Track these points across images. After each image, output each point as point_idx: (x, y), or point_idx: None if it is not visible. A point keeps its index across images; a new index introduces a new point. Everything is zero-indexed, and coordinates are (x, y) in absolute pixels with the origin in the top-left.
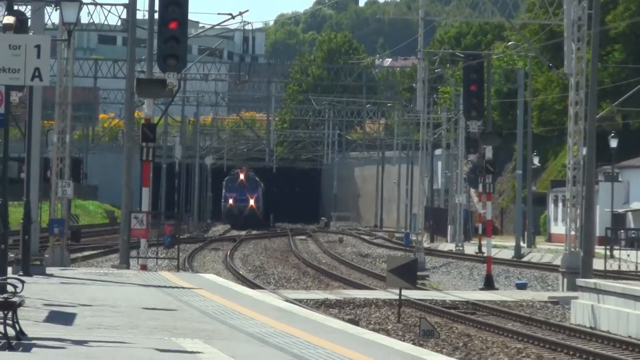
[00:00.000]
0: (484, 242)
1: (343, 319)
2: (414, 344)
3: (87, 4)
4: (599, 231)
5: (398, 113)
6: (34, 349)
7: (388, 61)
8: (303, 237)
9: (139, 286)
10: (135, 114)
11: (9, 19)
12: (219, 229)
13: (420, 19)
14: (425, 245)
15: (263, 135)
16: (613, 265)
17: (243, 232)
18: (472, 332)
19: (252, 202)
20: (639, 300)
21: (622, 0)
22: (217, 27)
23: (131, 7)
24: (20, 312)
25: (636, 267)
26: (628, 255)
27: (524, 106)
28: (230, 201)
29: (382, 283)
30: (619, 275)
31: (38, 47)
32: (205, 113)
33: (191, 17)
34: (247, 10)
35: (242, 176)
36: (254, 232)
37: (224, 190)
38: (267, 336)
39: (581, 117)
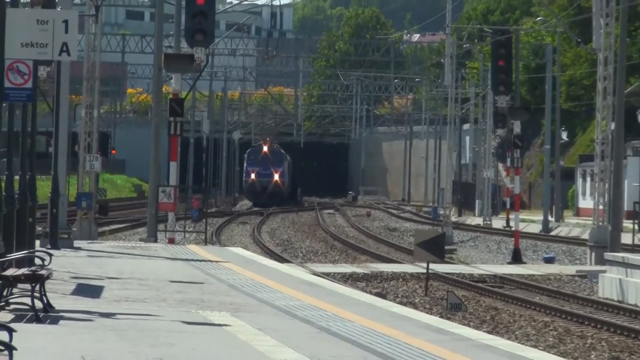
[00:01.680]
0: (511, 216)
1: (370, 293)
2: (441, 317)
3: None
4: (627, 205)
5: (426, 88)
6: (61, 322)
7: (416, 37)
8: (331, 211)
9: (166, 259)
10: (163, 89)
11: None
12: (246, 202)
13: None
14: (453, 219)
15: (291, 110)
16: None
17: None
18: (499, 305)
19: (276, 177)
20: None
21: None
22: (245, 2)
23: None
24: (48, 285)
25: None
26: None
27: (552, 81)
28: (253, 176)
29: (410, 257)
30: None
31: (66, 22)
32: (233, 88)
33: None
34: None
35: (265, 148)
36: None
37: (245, 164)
38: (294, 309)
39: (609, 92)
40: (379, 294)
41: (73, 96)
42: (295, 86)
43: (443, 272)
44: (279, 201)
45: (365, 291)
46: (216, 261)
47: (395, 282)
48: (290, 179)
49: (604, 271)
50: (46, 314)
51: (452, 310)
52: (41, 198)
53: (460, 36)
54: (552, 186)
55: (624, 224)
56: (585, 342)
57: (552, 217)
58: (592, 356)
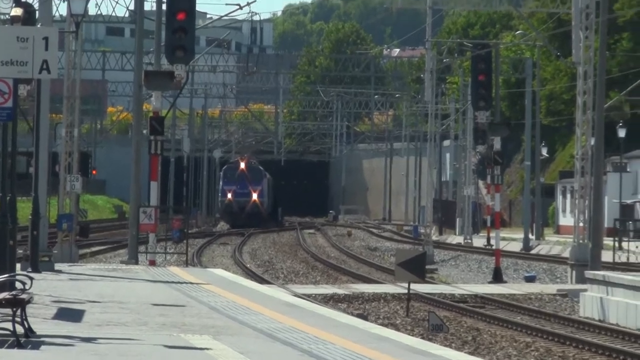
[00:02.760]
0: (492, 234)
1: (352, 314)
2: (423, 338)
3: None
4: (607, 222)
5: (406, 104)
6: (42, 347)
7: (396, 51)
8: (311, 230)
9: (147, 282)
10: (144, 107)
11: (17, 11)
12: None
13: (428, 8)
14: (434, 238)
15: (271, 128)
16: (622, 257)
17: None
18: (481, 325)
19: (255, 196)
20: None
21: None
22: (225, 18)
23: None
24: (29, 309)
25: None
26: (637, 247)
27: (532, 96)
28: (229, 195)
29: (391, 277)
30: (627, 267)
31: (46, 39)
32: (213, 105)
33: (199, 8)
34: (254, 1)
35: (242, 165)
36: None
37: (221, 183)
38: (276, 332)
39: (589, 107)
40: (360, 316)
41: (53, 115)
42: (275, 103)
43: (424, 292)
44: (258, 222)
45: (347, 312)
46: (197, 283)
47: (376, 303)
48: (270, 198)
49: (585, 290)
50: (27, 339)
51: (434, 331)
52: (22, 220)
53: (440, 50)
54: (532, 203)
55: (605, 242)
56: None
57: (532, 234)
58: None
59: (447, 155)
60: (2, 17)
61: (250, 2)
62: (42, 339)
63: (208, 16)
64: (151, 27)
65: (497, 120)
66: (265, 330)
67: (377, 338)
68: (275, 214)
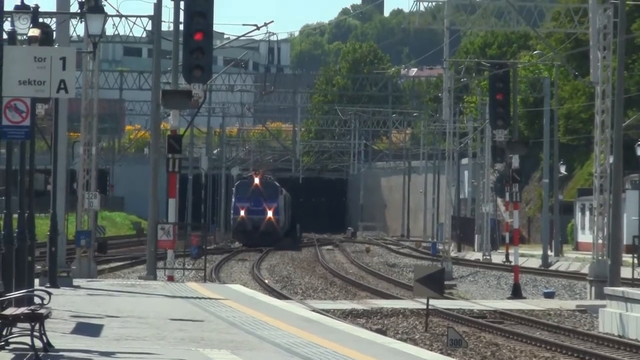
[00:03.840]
0: (511, 251)
1: (370, 329)
2: (441, 353)
3: (112, 16)
4: (626, 239)
5: (424, 123)
6: None
7: (414, 71)
8: (330, 247)
9: (166, 297)
10: (162, 126)
11: (34, 32)
12: None
13: (446, 28)
14: (453, 254)
15: (289, 146)
16: None
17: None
18: (500, 341)
19: (270, 213)
20: None
21: None
22: (242, 38)
23: (156, 19)
24: (48, 323)
25: None
26: None
27: (550, 115)
28: (242, 212)
29: (410, 293)
30: None
31: (63, 59)
32: (231, 124)
33: (216, 28)
34: (272, 21)
35: (257, 181)
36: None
37: (233, 199)
38: (294, 346)
39: (608, 126)
40: (379, 331)
41: (71, 133)
42: (293, 122)
43: (443, 308)
44: (273, 241)
45: (366, 328)
46: (216, 298)
47: (395, 318)
48: (287, 215)
49: (604, 306)
50: (46, 353)
51: (453, 346)
52: (40, 236)
53: (458, 70)
54: (551, 220)
55: (624, 258)
56: None
57: (551, 251)
58: None
59: (465, 172)
60: (20, 37)
61: (267, 22)
62: (60, 353)
63: (225, 36)
64: (168, 47)
65: (515, 138)
66: (284, 345)
67: (396, 353)
68: (293, 231)
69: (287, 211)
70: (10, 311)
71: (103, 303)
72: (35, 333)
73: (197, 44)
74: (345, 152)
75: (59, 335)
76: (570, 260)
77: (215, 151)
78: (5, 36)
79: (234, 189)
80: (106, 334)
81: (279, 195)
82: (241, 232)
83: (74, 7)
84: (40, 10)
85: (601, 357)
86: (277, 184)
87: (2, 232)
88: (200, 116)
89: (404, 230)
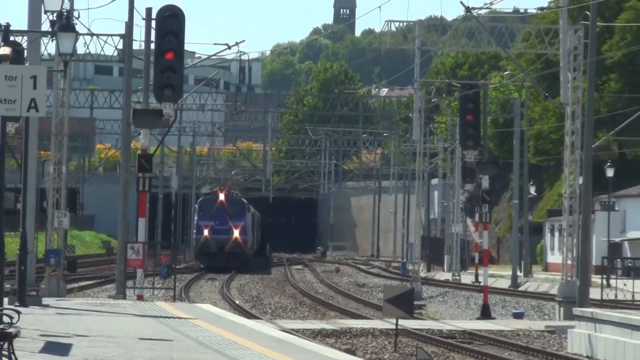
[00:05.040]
0: (480, 271)
1: (340, 349)
2: None
3: (83, 34)
4: (595, 260)
5: (394, 143)
6: None
7: (384, 91)
8: (300, 266)
9: (135, 316)
10: (132, 144)
11: (5, 50)
12: None
13: (417, 48)
14: (422, 274)
15: (259, 165)
16: (610, 295)
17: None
18: None
19: (236, 233)
20: (636, 329)
21: (618, 29)
22: (214, 57)
23: (127, 38)
24: (17, 343)
25: (633, 296)
26: (625, 285)
27: (520, 135)
28: (205, 232)
29: (379, 312)
30: (615, 304)
31: (34, 77)
32: (201, 143)
33: (187, 47)
34: (243, 41)
35: (221, 197)
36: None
37: (196, 217)
38: None
39: (577, 147)
40: (348, 351)
41: (41, 152)
42: (263, 141)
43: (412, 328)
44: (240, 263)
45: (335, 347)
46: (185, 318)
47: (364, 338)
48: (256, 234)
49: (573, 326)
50: None
51: None
52: (9, 255)
53: (429, 90)
54: (520, 241)
55: (593, 279)
56: None
57: (520, 272)
58: None
59: (435, 193)
60: None
61: (238, 42)
62: None
63: (197, 55)
64: (140, 66)
65: (486, 159)
66: None
67: None
68: (263, 251)
69: (255, 230)
70: None
71: (72, 322)
72: (4, 352)
73: (168, 63)
74: (316, 171)
75: (28, 354)
76: (540, 281)
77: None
78: None
79: (196, 206)
80: (75, 353)
81: (246, 213)
82: (205, 254)
83: (45, 26)
84: (11, 28)
85: None
86: (244, 200)
87: None
88: (171, 135)
89: (374, 250)
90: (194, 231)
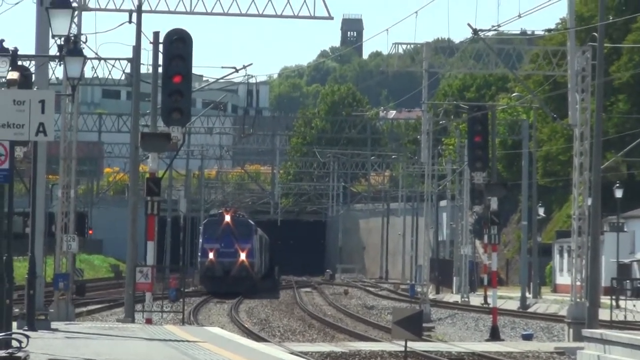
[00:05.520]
0: (489, 293)
1: None
2: None
3: (91, 58)
4: (604, 281)
5: (403, 165)
6: None
7: (392, 113)
8: (308, 289)
9: (144, 340)
10: (140, 168)
11: (13, 74)
12: None
13: (424, 70)
14: (431, 296)
15: (268, 188)
16: (619, 316)
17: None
18: None
19: (243, 255)
20: None
21: (626, 51)
22: (221, 80)
23: (135, 62)
24: None
25: None
26: (634, 306)
27: (529, 157)
28: (210, 255)
29: (388, 335)
30: (625, 325)
31: (42, 102)
32: (209, 166)
33: (195, 70)
34: (251, 64)
35: (227, 218)
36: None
37: (200, 240)
38: None
39: (586, 168)
40: None
41: (50, 176)
42: (271, 164)
43: (421, 350)
44: (247, 288)
45: None
46: (194, 341)
47: None
48: (264, 257)
49: (582, 348)
50: None
51: None
52: (18, 279)
53: (437, 112)
54: (529, 262)
55: (602, 300)
56: None
57: (529, 293)
58: None
59: (444, 215)
60: None
61: (246, 65)
62: None
63: (204, 79)
64: (147, 89)
65: (494, 180)
66: None
67: None
68: (271, 274)
69: (263, 253)
70: None
71: (81, 346)
72: None
73: (176, 86)
74: (324, 194)
75: None
76: (549, 302)
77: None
78: None
79: (201, 228)
80: None
81: (253, 235)
82: (210, 278)
83: (53, 50)
84: (19, 53)
85: None
86: (252, 222)
87: None
88: (179, 159)
89: (383, 272)
90: (199, 254)
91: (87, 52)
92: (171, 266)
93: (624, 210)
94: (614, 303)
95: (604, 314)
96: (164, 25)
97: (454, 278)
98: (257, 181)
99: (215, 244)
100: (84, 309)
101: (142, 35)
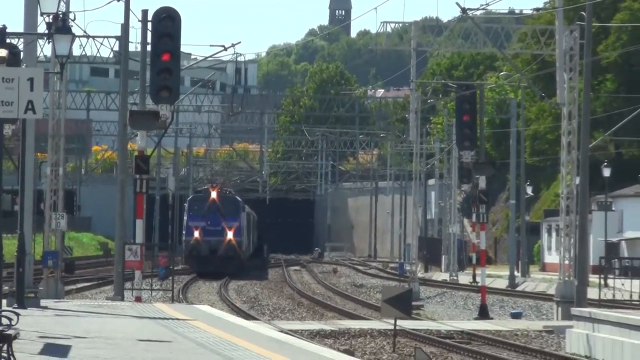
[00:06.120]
0: (478, 271)
1: (338, 350)
2: None
3: (79, 36)
4: (592, 260)
5: (391, 143)
6: None
7: (380, 92)
8: (297, 267)
9: (133, 318)
10: (129, 146)
11: (2, 52)
12: None
13: (413, 49)
14: (420, 275)
15: (256, 167)
16: (607, 294)
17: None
18: None
19: (230, 234)
20: (634, 329)
21: (614, 30)
22: (210, 58)
23: (123, 40)
24: (16, 344)
25: (630, 295)
26: (622, 284)
27: (517, 136)
28: (196, 234)
29: (377, 313)
30: (613, 304)
31: (31, 80)
32: (198, 144)
33: (183, 49)
34: (239, 42)
35: (213, 194)
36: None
37: (185, 218)
38: None
39: (574, 147)
40: (347, 351)
41: (38, 154)
42: (260, 142)
43: (410, 329)
44: (234, 268)
45: (333, 348)
46: (183, 319)
47: (362, 339)
48: (252, 235)
49: (571, 326)
50: None
51: None
52: (7, 257)
53: (425, 91)
54: (517, 241)
55: (590, 279)
56: None
57: (518, 272)
58: None
59: (432, 193)
60: None
61: (234, 43)
62: None
63: (193, 57)
64: (136, 67)
65: (482, 159)
66: None
67: None
68: (260, 252)
69: (251, 231)
70: None
71: (71, 324)
72: (4, 354)
73: (165, 64)
74: (313, 172)
75: (27, 356)
76: (537, 281)
77: (182, 172)
78: None
79: (185, 205)
80: (74, 354)
81: (240, 213)
82: (195, 258)
83: (42, 28)
84: (7, 30)
85: None
86: (239, 198)
87: None
88: (168, 137)
89: (371, 250)
90: (184, 232)
91: (75, 30)
92: (160, 244)
93: (612, 189)
94: (602, 282)
95: (592, 293)
96: (153, 3)
97: (443, 257)
98: (246, 159)
99: (201, 222)
100: (73, 286)
101: (130, 13)
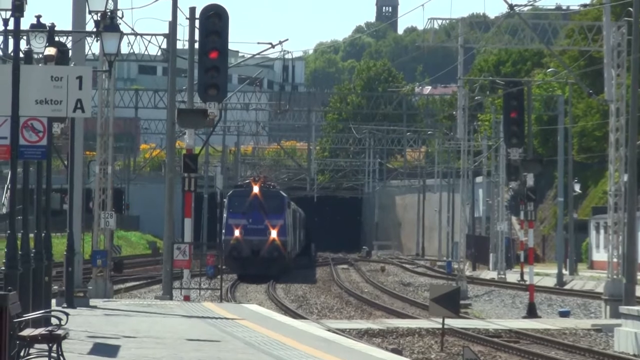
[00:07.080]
0: (526, 269)
1: (386, 349)
2: None
3: (127, 34)
4: None
5: (438, 141)
6: None
7: (428, 89)
8: (345, 266)
9: (182, 317)
10: (177, 144)
11: (50, 51)
12: None
13: (460, 46)
14: (467, 273)
15: (304, 164)
16: None
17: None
18: None
19: (273, 233)
20: None
21: None
22: (257, 56)
23: (171, 37)
24: (65, 344)
25: None
26: None
27: (564, 133)
28: (236, 232)
29: (425, 312)
30: None
31: (80, 78)
32: (246, 142)
33: (231, 46)
34: (286, 39)
35: (256, 189)
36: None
37: (225, 215)
38: None
39: (622, 144)
40: (395, 350)
41: (87, 152)
42: (307, 140)
43: (459, 327)
44: (278, 270)
45: (381, 347)
46: (232, 318)
47: (411, 337)
48: (299, 234)
49: (620, 325)
50: None
51: None
52: (57, 256)
53: (472, 88)
54: (565, 239)
55: (639, 277)
56: None
57: (566, 270)
58: None
59: (480, 191)
60: (36, 56)
61: (282, 41)
62: None
63: (240, 54)
64: (184, 65)
65: (530, 156)
66: None
67: None
68: (308, 251)
69: (298, 230)
70: (27, 332)
71: (120, 323)
72: (53, 354)
73: (212, 62)
74: (360, 170)
75: (76, 356)
76: (585, 279)
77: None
78: (21, 55)
79: (225, 201)
80: (123, 354)
81: (285, 210)
82: (235, 259)
83: (90, 26)
84: (56, 29)
85: None
86: (284, 194)
87: (20, 252)
88: (216, 135)
89: (419, 249)
90: (223, 231)
91: (123, 27)
92: (208, 243)
93: None
94: None
95: None
96: (200, 0)
97: (491, 255)
98: (293, 157)
99: (242, 220)
100: (122, 286)
101: (178, 10)
